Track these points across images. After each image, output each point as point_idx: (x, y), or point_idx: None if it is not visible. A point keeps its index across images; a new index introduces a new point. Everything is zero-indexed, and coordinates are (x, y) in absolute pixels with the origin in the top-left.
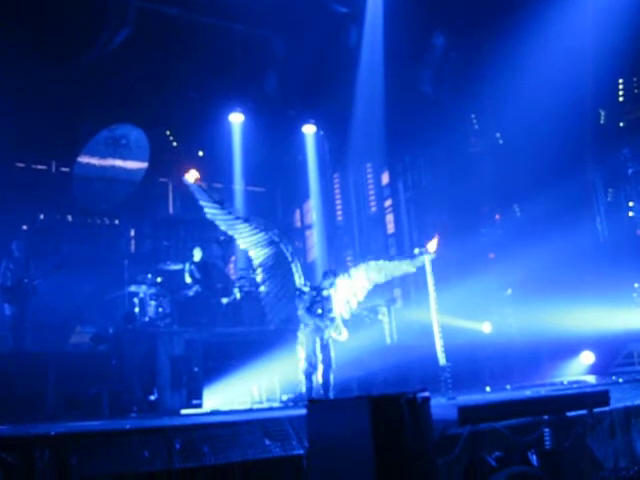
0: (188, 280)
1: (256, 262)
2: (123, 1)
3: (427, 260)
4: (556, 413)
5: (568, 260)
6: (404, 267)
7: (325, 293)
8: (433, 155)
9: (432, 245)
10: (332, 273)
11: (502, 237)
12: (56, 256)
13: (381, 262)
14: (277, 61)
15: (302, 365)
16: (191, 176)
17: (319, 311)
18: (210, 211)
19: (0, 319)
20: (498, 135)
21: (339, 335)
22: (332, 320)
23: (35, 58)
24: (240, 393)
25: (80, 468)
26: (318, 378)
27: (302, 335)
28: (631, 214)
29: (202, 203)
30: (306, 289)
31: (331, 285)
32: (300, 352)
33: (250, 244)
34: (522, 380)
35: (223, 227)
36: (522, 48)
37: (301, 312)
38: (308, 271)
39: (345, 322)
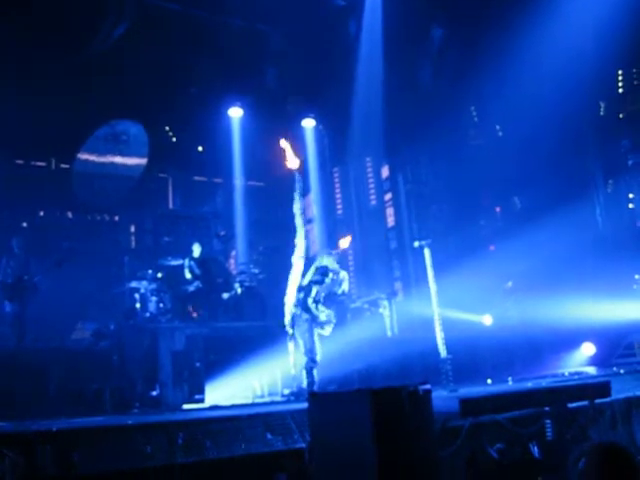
0: (188, 276)
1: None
2: None
3: (427, 253)
4: (557, 404)
5: (568, 252)
6: (330, 262)
7: (319, 288)
8: (433, 148)
9: (344, 242)
10: (326, 269)
11: (502, 229)
12: (56, 253)
13: (326, 256)
14: (276, 55)
15: (292, 360)
16: (294, 163)
17: (319, 306)
18: (296, 202)
19: (1, 316)
20: (498, 127)
21: (323, 330)
22: (327, 315)
23: (33, 54)
24: (242, 388)
25: (82, 464)
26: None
27: (300, 330)
28: (631, 206)
29: (296, 194)
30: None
31: (324, 281)
32: (291, 347)
33: (301, 238)
34: (523, 372)
35: (296, 220)
36: (521, 39)
37: (302, 307)
38: (308, 265)
39: (343, 315)
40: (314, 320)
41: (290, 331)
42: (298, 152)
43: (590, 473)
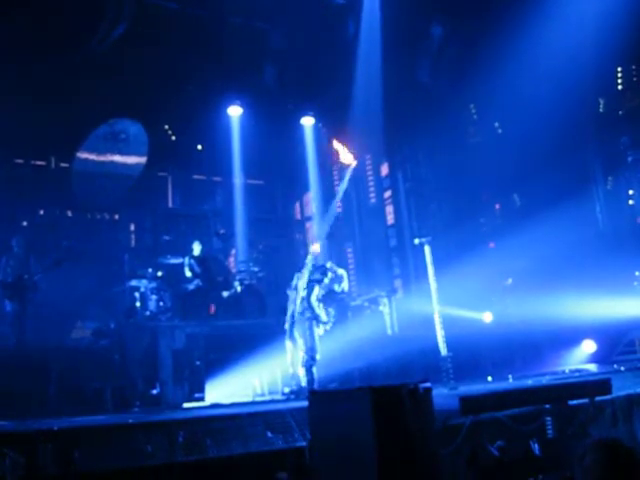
0: (188, 274)
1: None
2: None
3: (427, 250)
4: (558, 402)
5: (568, 249)
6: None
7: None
8: (432, 146)
9: (314, 249)
10: (325, 268)
11: (502, 226)
12: (56, 252)
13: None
14: (275, 54)
15: (290, 358)
16: (348, 159)
17: (320, 305)
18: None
19: (1, 315)
20: (497, 124)
21: (318, 328)
22: (328, 312)
23: (32, 53)
24: (242, 386)
25: (83, 463)
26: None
27: (300, 328)
28: (631, 202)
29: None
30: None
31: (323, 280)
32: (289, 345)
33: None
34: (524, 369)
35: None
36: (520, 37)
37: (305, 305)
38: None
39: (344, 314)
40: (315, 318)
41: (297, 329)
42: (351, 149)
43: (594, 469)
